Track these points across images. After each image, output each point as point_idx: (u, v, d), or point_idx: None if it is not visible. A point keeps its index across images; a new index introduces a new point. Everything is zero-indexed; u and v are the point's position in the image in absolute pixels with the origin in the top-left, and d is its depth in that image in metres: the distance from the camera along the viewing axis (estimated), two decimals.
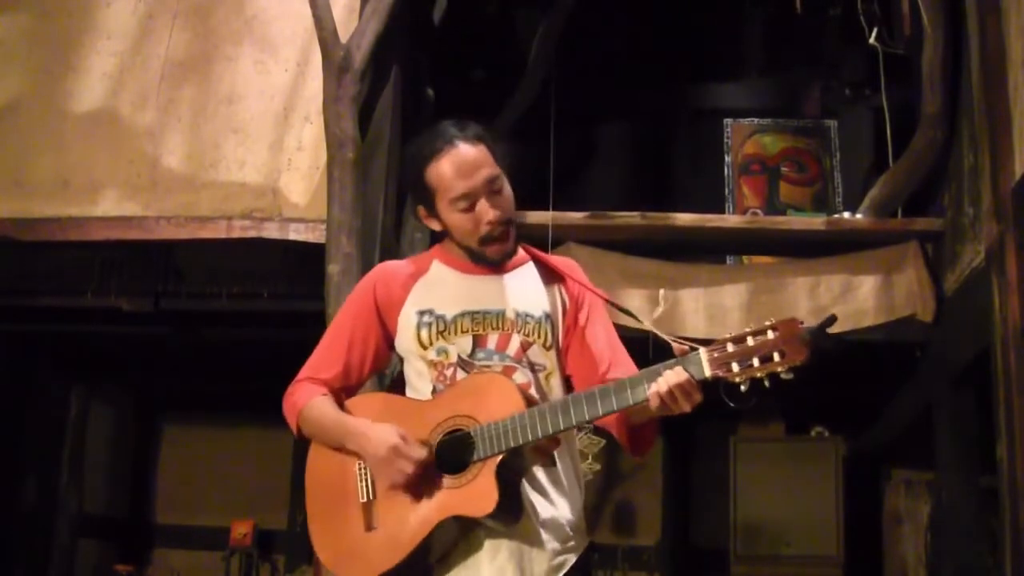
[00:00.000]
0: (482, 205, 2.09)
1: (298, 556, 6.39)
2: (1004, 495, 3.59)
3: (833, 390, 5.86)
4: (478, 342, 2.12)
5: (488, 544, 2.01)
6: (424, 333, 2.13)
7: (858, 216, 4.77)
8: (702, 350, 1.87)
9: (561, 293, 2.21)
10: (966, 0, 4.26)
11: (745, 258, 5.55)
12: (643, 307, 4.68)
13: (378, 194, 4.12)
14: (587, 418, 1.95)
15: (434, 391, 2.12)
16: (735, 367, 1.83)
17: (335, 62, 4.03)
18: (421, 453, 1.99)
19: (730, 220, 5.29)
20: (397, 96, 4.28)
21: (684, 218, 4.79)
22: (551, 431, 1.95)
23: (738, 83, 6.57)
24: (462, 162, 2.11)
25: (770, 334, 1.82)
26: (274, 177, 4.41)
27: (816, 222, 4.93)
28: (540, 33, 4.97)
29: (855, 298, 4.62)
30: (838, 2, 5.70)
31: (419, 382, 2.16)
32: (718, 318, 4.66)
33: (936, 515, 5.28)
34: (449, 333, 2.12)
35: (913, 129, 4.64)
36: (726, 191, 6.10)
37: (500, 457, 1.96)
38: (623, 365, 2.16)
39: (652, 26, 6.29)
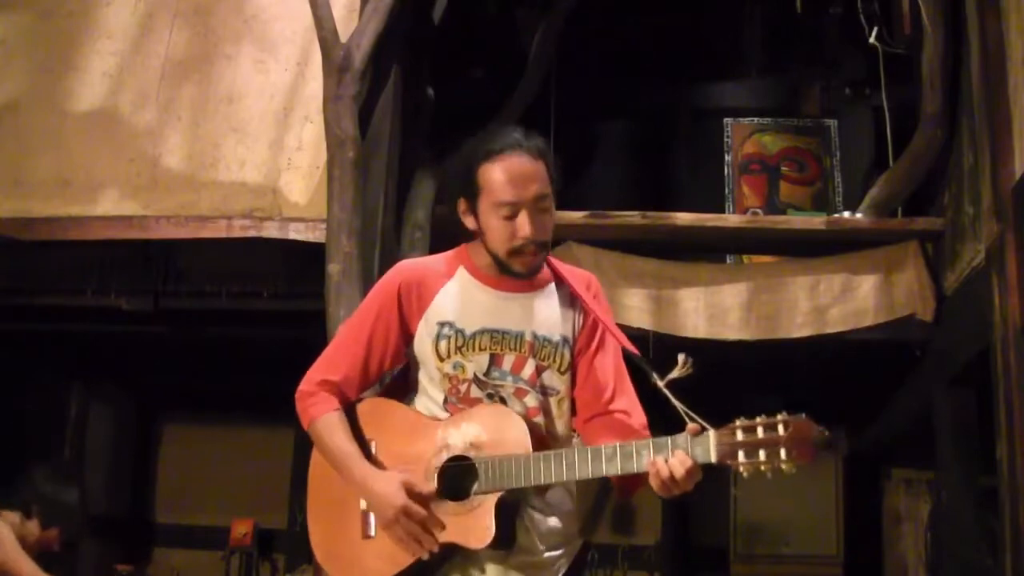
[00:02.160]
0: (523, 218, 2.06)
1: (298, 556, 6.37)
2: (1004, 495, 3.59)
3: (833, 390, 5.87)
4: (495, 361, 2.12)
5: (488, 562, 2.03)
6: (443, 345, 2.12)
7: (858, 215, 4.77)
8: (712, 434, 1.87)
9: (578, 314, 2.20)
10: (966, 0, 4.26)
11: (745, 257, 5.55)
12: (643, 306, 4.68)
13: (378, 194, 4.12)
14: (590, 476, 1.96)
15: (445, 401, 2.13)
16: (741, 456, 1.84)
17: (335, 62, 4.02)
18: (422, 513, 1.99)
19: (730, 219, 5.29)
20: (397, 96, 4.28)
21: (684, 217, 4.79)
22: (552, 480, 1.97)
23: (738, 82, 6.57)
24: (517, 171, 2.07)
25: (781, 429, 1.83)
26: (274, 176, 4.41)
27: (816, 221, 4.93)
28: (540, 33, 4.97)
29: (855, 297, 4.62)
30: (838, 2, 5.70)
31: (432, 389, 2.15)
32: (718, 317, 4.67)
33: (936, 515, 5.28)
34: (467, 349, 2.11)
35: (913, 129, 4.64)
36: (726, 190, 6.10)
37: (501, 495, 1.98)
38: (627, 395, 2.17)
39: (652, 26, 6.28)
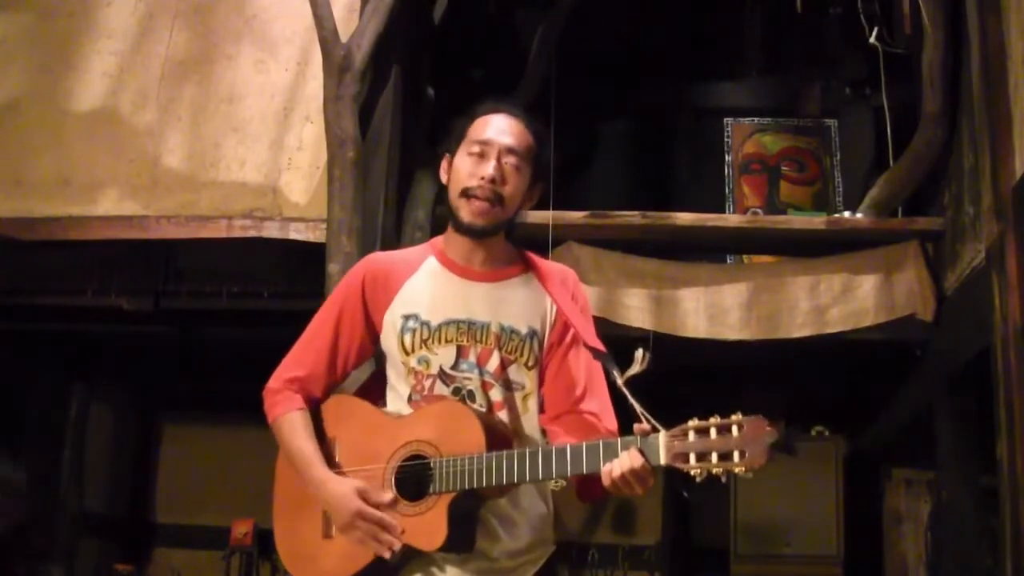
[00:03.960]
0: (488, 161, 2.08)
1: None
2: (1004, 495, 3.59)
3: (833, 390, 5.87)
4: (461, 353, 2.09)
5: (447, 564, 2.00)
6: (408, 339, 2.10)
7: (858, 215, 4.77)
8: (662, 435, 1.81)
9: (551, 308, 2.15)
10: (966, 0, 4.26)
11: (745, 257, 5.55)
12: (642, 306, 4.68)
13: (378, 194, 4.12)
14: (541, 477, 1.92)
15: (410, 399, 2.10)
16: (692, 459, 1.77)
17: (335, 61, 4.02)
18: (376, 515, 1.97)
19: (730, 219, 5.29)
20: (397, 96, 4.28)
21: (684, 217, 4.79)
22: (504, 482, 1.92)
23: (738, 82, 6.57)
24: (498, 122, 2.13)
25: (735, 431, 1.76)
26: (274, 176, 4.41)
27: (816, 221, 4.93)
28: (540, 33, 4.97)
29: (855, 297, 4.62)
30: (838, 1, 5.70)
31: (399, 384, 2.14)
32: (718, 317, 4.66)
33: (936, 515, 5.28)
34: (432, 342, 2.09)
35: (913, 129, 4.64)
36: (726, 190, 6.10)
37: (453, 495, 1.94)
38: (598, 398, 2.12)
39: (652, 26, 6.28)
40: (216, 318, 5.01)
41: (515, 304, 2.13)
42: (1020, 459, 3.44)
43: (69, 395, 6.49)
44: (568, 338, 2.14)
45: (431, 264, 2.17)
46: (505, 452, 1.94)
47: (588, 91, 6.07)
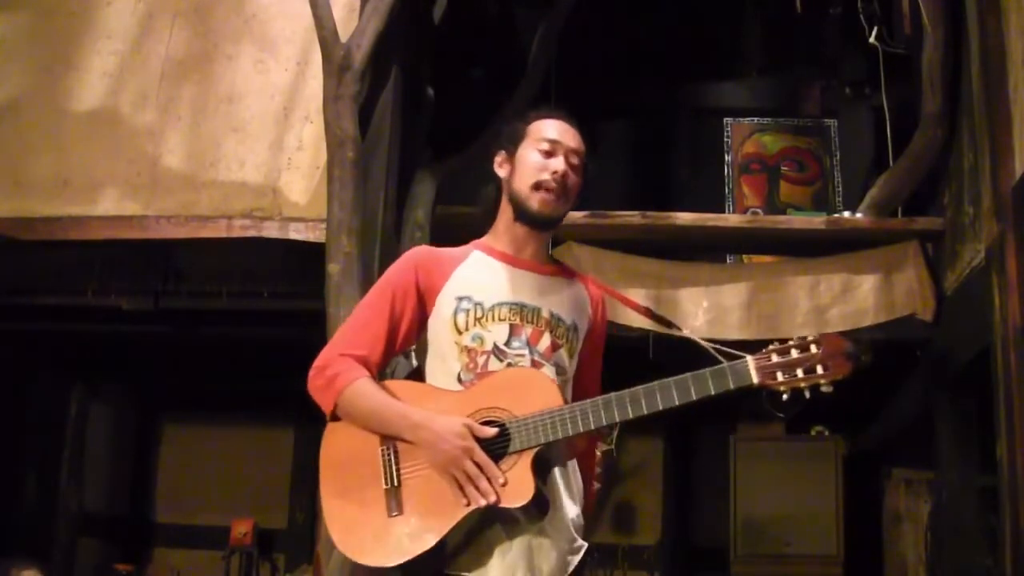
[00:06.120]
0: (558, 159, 2.22)
1: (298, 555, 6.38)
2: (1004, 495, 3.59)
3: (833, 390, 5.84)
4: (513, 331, 2.15)
5: (502, 541, 2.01)
6: (461, 318, 2.15)
7: (858, 215, 4.77)
8: (749, 358, 1.96)
9: (588, 317, 2.28)
10: (966, 0, 4.26)
11: (745, 257, 5.56)
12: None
13: (378, 193, 4.11)
14: (620, 418, 1.99)
15: (459, 379, 2.12)
16: (780, 376, 1.93)
17: (335, 61, 4.02)
18: (484, 456, 1.98)
19: (730, 219, 5.29)
20: (397, 96, 4.28)
21: (684, 217, 4.79)
22: (591, 426, 1.99)
23: (738, 82, 6.58)
24: (563, 125, 2.29)
25: (813, 348, 1.93)
26: (274, 176, 4.41)
27: (816, 221, 4.93)
28: (540, 33, 4.96)
29: (855, 297, 4.62)
30: (838, 2, 5.70)
31: (443, 368, 2.15)
32: (718, 317, 4.66)
33: (936, 515, 5.27)
34: (486, 320, 2.15)
35: (913, 129, 4.64)
36: (726, 190, 6.11)
37: (537, 449, 1.98)
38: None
39: (652, 26, 6.28)
40: (216, 318, 5.01)
41: (561, 296, 2.24)
42: (1020, 459, 3.44)
43: (69, 395, 6.49)
44: (592, 349, 2.28)
45: (478, 255, 2.25)
46: (585, 401, 2.02)
47: (588, 91, 6.07)
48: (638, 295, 4.66)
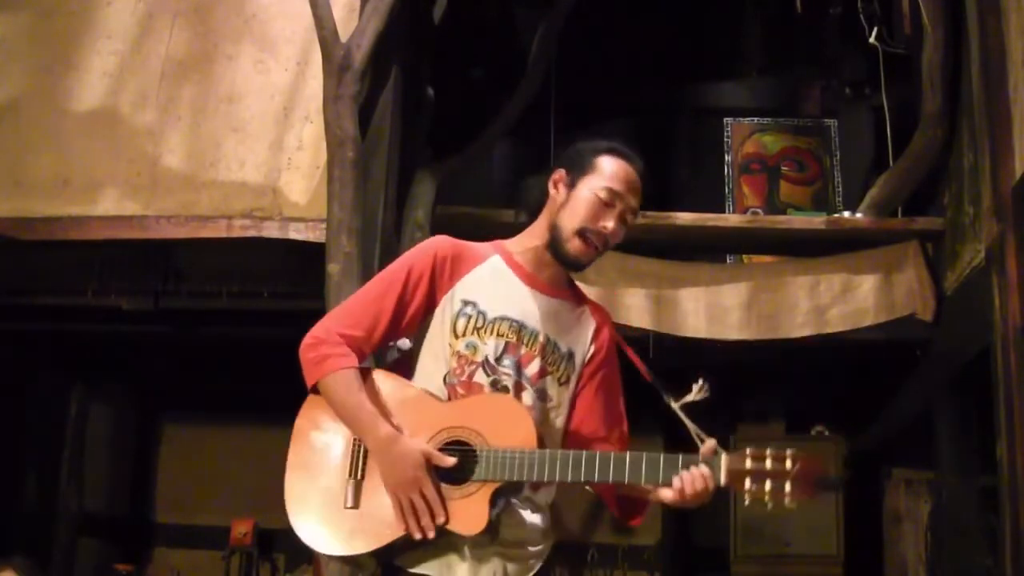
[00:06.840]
0: (613, 213, 2.17)
1: (298, 555, 6.38)
2: (1004, 495, 3.59)
3: (833, 390, 5.86)
4: (507, 349, 2.13)
5: (465, 545, 2.03)
6: (461, 322, 2.13)
7: (858, 215, 4.78)
8: (724, 457, 1.96)
9: (592, 341, 2.24)
10: (966, 0, 4.26)
11: (745, 257, 5.56)
12: (643, 305, 4.68)
13: (378, 193, 4.11)
14: (595, 480, 1.99)
15: (445, 381, 2.12)
16: (747, 482, 1.93)
17: (335, 61, 4.02)
18: (433, 492, 1.98)
19: (730, 219, 5.29)
20: (397, 96, 4.27)
21: (684, 217, 4.79)
22: (556, 479, 2.00)
23: (738, 82, 6.58)
24: (632, 177, 2.22)
25: (789, 464, 1.92)
26: (274, 176, 4.41)
27: (816, 221, 4.93)
28: (540, 33, 4.96)
29: (855, 297, 4.62)
30: (838, 1, 5.70)
31: (433, 366, 2.14)
32: (718, 317, 4.67)
33: (936, 515, 5.28)
34: (484, 331, 2.12)
35: (913, 129, 4.64)
36: (726, 190, 6.11)
37: (497, 485, 1.99)
38: (621, 444, 2.22)
39: (652, 26, 6.28)
40: (216, 318, 5.01)
41: (563, 323, 2.20)
42: (1020, 459, 3.44)
43: (69, 395, 6.49)
44: (601, 376, 2.24)
45: (496, 261, 2.21)
46: (560, 451, 2.04)
47: (588, 91, 6.07)
48: (638, 294, 4.66)
